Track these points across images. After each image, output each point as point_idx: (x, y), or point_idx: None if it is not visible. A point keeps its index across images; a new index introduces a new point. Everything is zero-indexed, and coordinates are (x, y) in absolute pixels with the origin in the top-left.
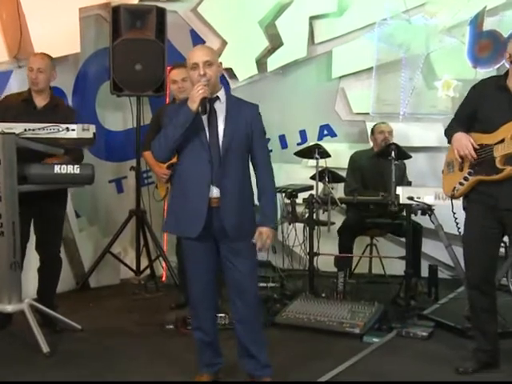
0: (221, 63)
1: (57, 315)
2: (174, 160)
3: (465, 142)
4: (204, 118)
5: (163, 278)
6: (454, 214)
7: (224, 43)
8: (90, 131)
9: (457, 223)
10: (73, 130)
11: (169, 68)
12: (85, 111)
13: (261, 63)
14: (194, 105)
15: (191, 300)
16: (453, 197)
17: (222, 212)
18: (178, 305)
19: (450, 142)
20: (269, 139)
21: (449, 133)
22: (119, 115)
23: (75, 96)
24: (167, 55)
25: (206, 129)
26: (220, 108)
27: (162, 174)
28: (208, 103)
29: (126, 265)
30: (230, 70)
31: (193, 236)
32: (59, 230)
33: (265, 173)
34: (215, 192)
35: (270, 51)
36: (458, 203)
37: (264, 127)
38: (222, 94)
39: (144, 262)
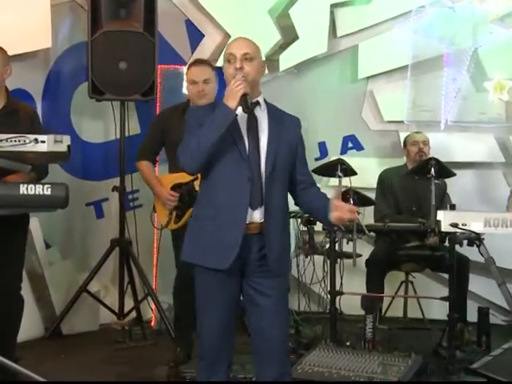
0: (264, 63)
1: (18, 367)
2: (183, 179)
3: None
4: (243, 125)
5: (152, 323)
6: None
7: (227, 37)
8: (63, 143)
9: None
10: (42, 141)
11: (160, 66)
12: (57, 119)
13: (271, 61)
14: (233, 102)
15: (202, 348)
16: None
17: (264, 240)
18: (177, 361)
19: None
20: None
21: None
22: (99, 124)
23: (45, 100)
24: (158, 51)
25: (246, 139)
26: (261, 116)
27: (167, 197)
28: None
29: (106, 306)
30: None
31: (223, 268)
32: (19, 263)
33: (317, 190)
34: (254, 216)
35: (283, 46)
36: None
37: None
38: (262, 99)
39: (129, 304)
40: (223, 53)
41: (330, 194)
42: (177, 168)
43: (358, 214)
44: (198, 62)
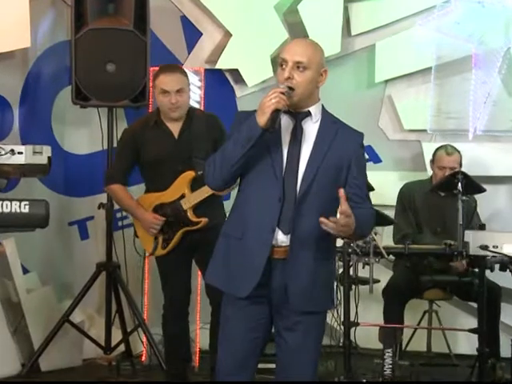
0: (325, 71)
1: None
2: (167, 199)
3: None
4: (285, 138)
5: (143, 358)
6: None
7: (227, 35)
8: (43, 155)
9: None
10: (20, 153)
11: (152, 69)
12: (36, 127)
13: (278, 63)
14: (262, 117)
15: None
16: None
17: (288, 269)
18: None
19: None
20: None
21: None
22: (84, 133)
23: (23, 106)
24: (150, 51)
25: (285, 154)
26: (310, 128)
27: (151, 221)
28: (292, 119)
29: (91, 339)
30: (235, 72)
31: (241, 295)
32: None
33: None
34: (281, 239)
35: None
36: None
37: (365, 164)
38: (316, 109)
39: (116, 336)
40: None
41: None
42: (155, 187)
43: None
44: (169, 70)
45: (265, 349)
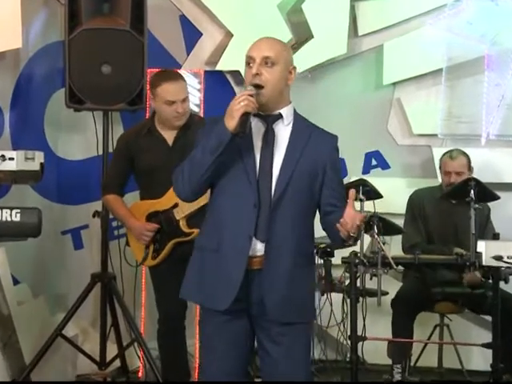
0: (294, 68)
1: None
2: (160, 207)
3: None
4: (257, 142)
5: (139, 374)
6: None
7: (228, 35)
8: (35, 161)
9: None
10: (11, 158)
11: (150, 70)
12: (28, 132)
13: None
14: (231, 122)
15: None
16: None
17: (264, 279)
18: None
19: None
20: None
21: None
22: (78, 138)
23: (14, 110)
24: (147, 52)
25: (257, 158)
26: (282, 132)
27: (141, 230)
28: (263, 122)
29: (85, 354)
30: (236, 74)
31: (221, 309)
32: None
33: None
34: (257, 248)
35: (295, 47)
36: None
37: (340, 167)
38: (288, 111)
39: (112, 350)
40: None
41: None
42: (150, 195)
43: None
44: (173, 78)
45: (251, 362)
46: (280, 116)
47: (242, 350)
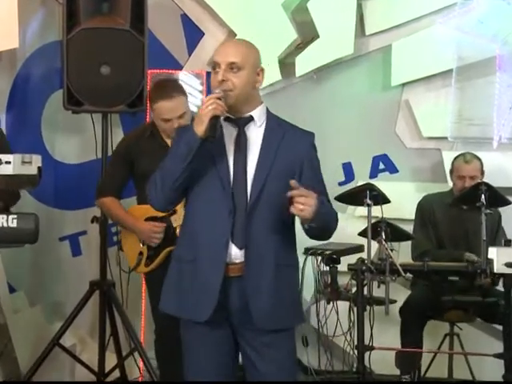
0: (262, 70)
1: None
2: (158, 212)
3: None
4: (230, 146)
5: None
6: None
7: (231, 35)
8: (33, 165)
9: None
10: (7, 162)
11: (150, 71)
12: (25, 135)
13: (286, 64)
14: (200, 127)
15: None
16: None
17: (246, 286)
18: None
19: None
20: None
21: None
22: (76, 141)
23: (11, 112)
24: (148, 53)
25: (231, 163)
26: (255, 134)
27: (151, 230)
28: (235, 126)
29: (83, 364)
30: None
31: (201, 320)
32: None
33: None
34: (235, 255)
35: (300, 47)
36: None
37: (319, 166)
38: (259, 112)
39: (111, 360)
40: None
41: (355, 226)
42: (147, 200)
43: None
44: (169, 96)
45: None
46: (251, 118)
47: (225, 358)
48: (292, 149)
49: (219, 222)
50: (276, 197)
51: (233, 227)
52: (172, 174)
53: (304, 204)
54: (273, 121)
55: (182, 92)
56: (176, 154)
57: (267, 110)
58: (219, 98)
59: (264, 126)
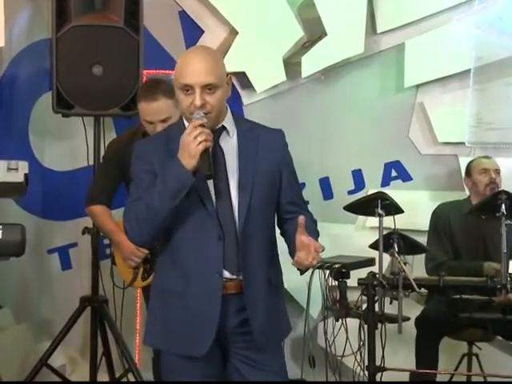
0: (230, 78)
1: None
2: None
3: None
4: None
5: None
6: None
7: (233, 33)
8: (19, 172)
9: None
10: None
11: (146, 72)
12: (11, 140)
13: (291, 64)
14: (191, 161)
15: None
16: None
17: (246, 301)
18: None
19: None
20: (303, 184)
21: None
22: (66, 146)
23: None
24: (143, 51)
25: (211, 184)
26: (230, 145)
27: (132, 251)
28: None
29: None
30: (241, 76)
31: (197, 355)
32: None
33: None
34: (228, 274)
35: (306, 46)
36: None
37: (292, 161)
38: (228, 120)
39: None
40: (175, 76)
41: (365, 238)
42: None
43: (322, 251)
44: (150, 98)
45: None
46: (223, 128)
47: (212, 373)
48: (268, 152)
49: (209, 250)
50: (263, 211)
51: (224, 253)
52: (161, 214)
53: (314, 259)
54: (242, 125)
55: (169, 95)
56: (165, 193)
57: (232, 113)
58: (203, 125)
59: (236, 134)
